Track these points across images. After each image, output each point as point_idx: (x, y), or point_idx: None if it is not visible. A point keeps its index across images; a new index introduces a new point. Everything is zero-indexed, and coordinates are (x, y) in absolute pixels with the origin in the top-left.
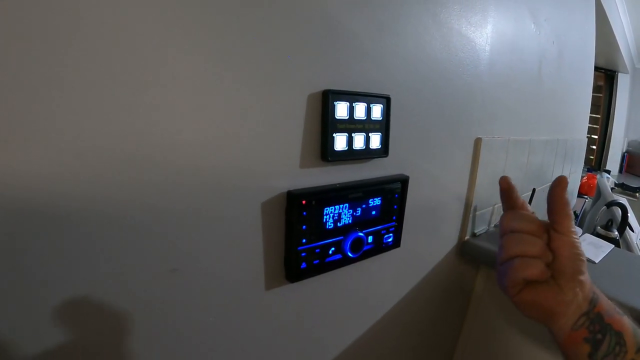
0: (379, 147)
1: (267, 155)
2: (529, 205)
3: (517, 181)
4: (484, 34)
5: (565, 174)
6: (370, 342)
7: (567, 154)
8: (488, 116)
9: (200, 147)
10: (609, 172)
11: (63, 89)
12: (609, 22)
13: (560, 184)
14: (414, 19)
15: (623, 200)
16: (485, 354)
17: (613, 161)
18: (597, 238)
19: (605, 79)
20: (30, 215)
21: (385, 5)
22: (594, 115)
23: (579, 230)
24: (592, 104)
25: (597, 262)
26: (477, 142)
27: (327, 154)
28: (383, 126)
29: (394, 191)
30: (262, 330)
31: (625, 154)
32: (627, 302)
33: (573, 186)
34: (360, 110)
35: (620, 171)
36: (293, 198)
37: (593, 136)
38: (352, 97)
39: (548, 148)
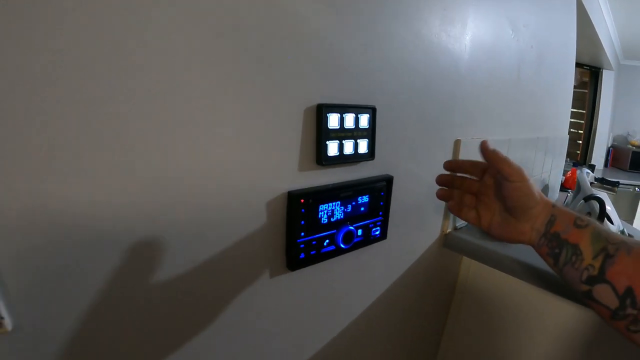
0: (366, 151)
1: (271, 162)
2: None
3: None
4: (462, 45)
5: (547, 169)
6: (362, 326)
7: (548, 150)
8: (467, 119)
9: (223, 160)
10: (593, 166)
11: (134, 135)
12: (592, 23)
13: (484, 146)
14: (398, 36)
15: (602, 194)
16: (471, 338)
17: (598, 156)
18: None
19: (591, 75)
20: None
21: (372, 27)
22: (580, 111)
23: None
24: (578, 100)
25: None
26: (457, 143)
27: (322, 159)
28: (369, 133)
29: (380, 189)
30: (267, 312)
31: (611, 148)
32: None
33: (555, 180)
34: (349, 120)
35: (606, 165)
36: (293, 197)
37: (579, 131)
38: (342, 109)
39: (528, 146)
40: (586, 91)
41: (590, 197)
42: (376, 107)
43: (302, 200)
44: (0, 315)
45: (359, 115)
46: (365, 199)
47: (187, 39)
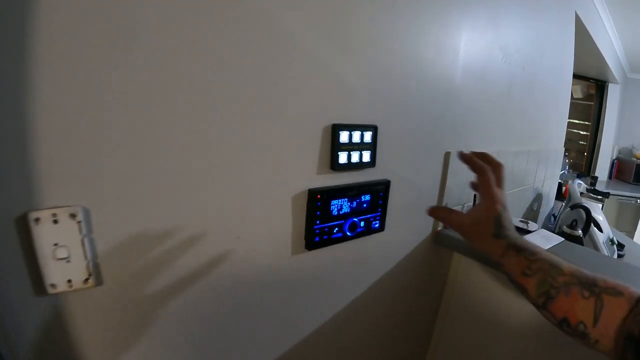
0: (369, 160)
1: (297, 167)
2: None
3: None
4: (454, 70)
5: (540, 178)
6: (361, 304)
7: (540, 161)
8: (457, 135)
9: (266, 166)
10: (596, 178)
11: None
12: (593, 40)
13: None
14: (396, 69)
15: (592, 203)
16: (462, 328)
17: (602, 168)
18: (550, 233)
19: (596, 88)
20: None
21: (374, 64)
22: (586, 123)
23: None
24: (584, 112)
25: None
26: (447, 155)
27: (334, 165)
28: (372, 146)
29: (379, 190)
30: (289, 282)
31: (615, 160)
32: None
33: (549, 189)
34: (356, 136)
35: (610, 177)
36: (312, 194)
37: (583, 143)
38: (350, 127)
39: (518, 158)
40: (592, 104)
41: (575, 206)
42: (377, 125)
43: (319, 196)
44: (89, 273)
45: (363, 132)
46: (367, 197)
47: (255, 91)
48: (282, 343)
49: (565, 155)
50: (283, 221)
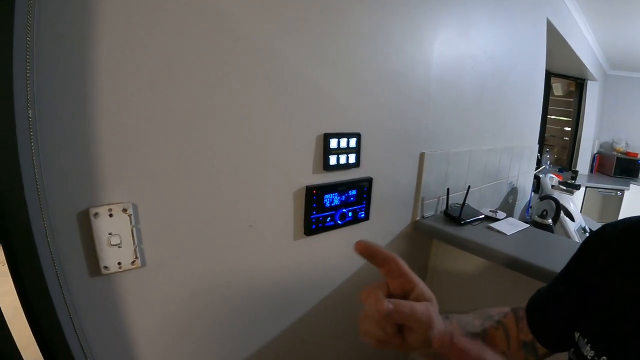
0: (355, 161)
1: (297, 167)
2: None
3: (459, 179)
4: (429, 82)
5: (515, 174)
6: (351, 284)
7: (514, 158)
8: (430, 137)
9: (274, 167)
10: (576, 172)
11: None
12: (567, 43)
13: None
14: (378, 83)
15: (563, 195)
16: (446, 302)
17: (583, 162)
18: (516, 220)
19: (576, 86)
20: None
21: (359, 81)
22: (568, 119)
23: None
24: (565, 109)
25: (508, 234)
26: (422, 155)
27: (326, 166)
28: (357, 150)
29: (364, 186)
30: (291, 259)
31: (596, 155)
32: (522, 258)
33: (524, 183)
34: (343, 143)
35: (592, 171)
36: (309, 189)
37: (565, 138)
38: (339, 135)
39: (491, 155)
40: (572, 100)
41: (545, 197)
42: (361, 133)
43: (314, 191)
44: (135, 256)
45: (349, 139)
46: (354, 192)
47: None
48: (288, 316)
49: (547, 151)
50: (286, 212)
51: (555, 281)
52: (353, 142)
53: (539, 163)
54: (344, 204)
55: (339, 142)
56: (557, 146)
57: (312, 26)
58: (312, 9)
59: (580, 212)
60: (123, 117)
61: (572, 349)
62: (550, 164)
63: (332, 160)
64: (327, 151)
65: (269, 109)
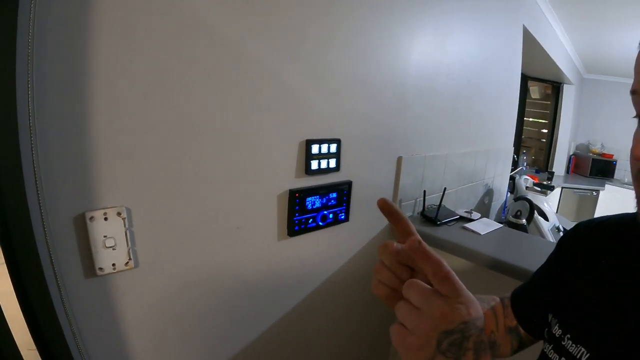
0: (335, 166)
1: (281, 172)
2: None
3: (436, 181)
4: (406, 90)
5: (490, 175)
6: (332, 282)
7: (489, 160)
8: (408, 142)
9: (261, 172)
10: (552, 173)
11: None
12: (544, 49)
13: (413, 245)
14: (357, 92)
15: (537, 196)
16: None
17: (560, 163)
18: (490, 221)
19: (552, 89)
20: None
21: (339, 90)
22: (544, 121)
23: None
24: (542, 111)
25: (482, 234)
26: (399, 159)
27: (308, 171)
28: (337, 155)
29: (344, 189)
30: (275, 259)
31: (572, 156)
32: (495, 256)
33: (500, 184)
34: (324, 148)
35: (567, 172)
36: (292, 193)
37: (542, 140)
38: (320, 141)
39: (466, 158)
40: (549, 103)
41: (519, 198)
42: (341, 139)
43: (297, 195)
44: (129, 257)
45: (330, 145)
46: (334, 194)
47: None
48: (274, 313)
49: (524, 153)
50: (271, 214)
51: (536, 274)
52: (333, 148)
53: (515, 164)
54: (325, 206)
55: (320, 148)
56: (535, 148)
57: (296, 40)
58: (295, 23)
59: (557, 212)
60: (117, 126)
61: (546, 329)
62: (527, 165)
63: (314, 165)
64: (309, 156)
65: (255, 118)
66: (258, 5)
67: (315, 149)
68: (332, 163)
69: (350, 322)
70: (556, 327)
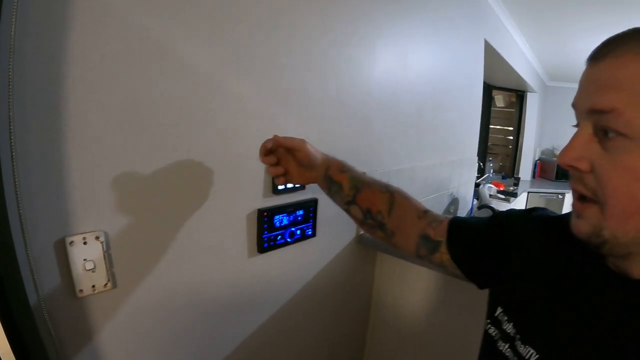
0: (300, 185)
1: (249, 193)
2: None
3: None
4: (369, 107)
5: (455, 185)
6: (301, 295)
7: (454, 170)
8: (371, 158)
9: (228, 198)
10: (518, 179)
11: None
12: (505, 60)
13: (275, 139)
14: (320, 111)
15: (501, 203)
16: (393, 310)
17: (526, 168)
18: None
19: (516, 97)
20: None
21: (303, 109)
22: (509, 128)
23: None
24: (509, 119)
25: None
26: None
27: (275, 190)
28: None
29: (310, 206)
30: (247, 277)
31: (538, 161)
32: None
33: (465, 192)
34: None
35: (534, 177)
36: (260, 212)
37: (509, 147)
38: None
39: (431, 169)
40: (513, 110)
41: (482, 206)
42: None
43: (265, 213)
44: (108, 279)
45: None
46: (301, 212)
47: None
48: (247, 327)
49: (490, 160)
50: (241, 233)
51: (476, 226)
52: None
53: (482, 172)
54: (292, 224)
55: None
56: (502, 154)
57: (257, 62)
58: (256, 43)
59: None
60: (93, 155)
61: (493, 323)
62: (493, 172)
63: (281, 185)
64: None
65: (224, 143)
66: (226, 40)
67: None
68: None
69: (322, 331)
70: (509, 325)
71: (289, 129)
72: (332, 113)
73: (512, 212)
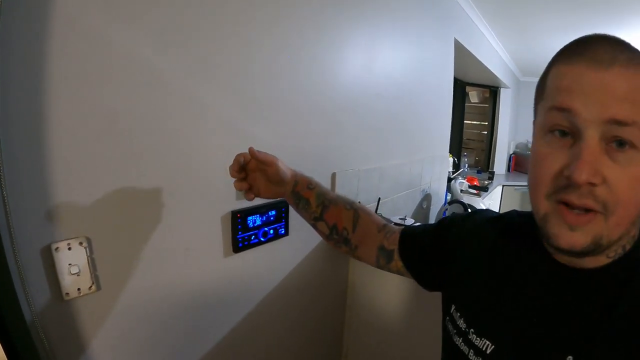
0: None
1: (223, 196)
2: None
3: (371, 192)
4: (335, 111)
5: (427, 181)
6: (277, 293)
7: (425, 167)
8: (341, 158)
9: (203, 201)
10: (493, 173)
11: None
12: (476, 58)
13: (251, 152)
14: (289, 115)
15: (472, 197)
16: (369, 306)
17: (500, 162)
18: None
19: (490, 93)
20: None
21: (271, 117)
22: (484, 124)
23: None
24: (480, 114)
25: None
26: (333, 175)
27: None
28: None
29: (282, 206)
30: (223, 275)
31: (512, 155)
32: None
33: (438, 188)
34: None
35: (508, 170)
36: (234, 213)
37: (483, 141)
38: None
39: (401, 168)
40: (487, 105)
41: (453, 201)
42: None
43: (239, 215)
44: (92, 282)
45: None
46: (274, 212)
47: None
48: (225, 323)
49: (464, 155)
50: (216, 234)
51: (423, 233)
52: None
53: (457, 167)
54: (265, 224)
55: None
56: (477, 149)
57: (224, 68)
58: (227, 53)
59: (499, 209)
60: (75, 165)
61: (450, 320)
62: (468, 166)
63: None
64: None
65: (199, 149)
66: (196, 49)
67: None
68: None
69: (299, 328)
70: (461, 321)
71: (261, 135)
72: (300, 116)
73: (455, 215)
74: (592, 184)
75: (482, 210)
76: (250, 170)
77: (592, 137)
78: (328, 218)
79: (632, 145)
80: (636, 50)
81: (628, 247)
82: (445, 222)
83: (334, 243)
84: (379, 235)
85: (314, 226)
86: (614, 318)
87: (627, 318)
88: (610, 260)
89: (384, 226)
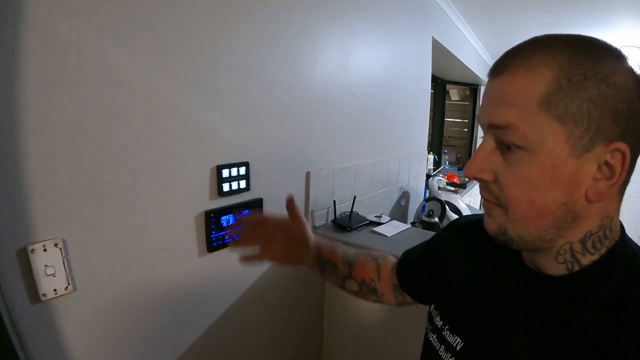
0: (245, 186)
1: (196, 196)
2: (304, 219)
3: (347, 190)
4: (309, 112)
5: (404, 179)
6: (253, 291)
7: (402, 165)
8: (315, 158)
9: (176, 202)
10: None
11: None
12: (455, 56)
13: (291, 204)
14: (263, 116)
15: (450, 195)
16: (348, 303)
17: None
18: (399, 223)
19: (470, 91)
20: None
21: (245, 119)
22: (465, 121)
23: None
24: (461, 112)
25: (389, 235)
26: (308, 174)
27: (221, 193)
28: (247, 176)
29: (256, 206)
30: (198, 274)
31: None
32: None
33: (417, 186)
34: (234, 171)
35: None
36: (207, 213)
37: (464, 138)
38: (230, 165)
39: (377, 166)
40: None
41: (430, 199)
42: (249, 161)
43: (212, 215)
44: (68, 282)
45: (239, 168)
46: (247, 212)
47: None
48: (201, 322)
49: (445, 152)
50: (190, 234)
51: (417, 250)
52: (242, 170)
53: (438, 164)
54: (239, 223)
55: (230, 171)
56: (459, 146)
57: (194, 69)
58: (193, 51)
59: (480, 206)
60: (49, 169)
61: (430, 317)
62: (449, 164)
63: (226, 187)
64: (220, 180)
65: (169, 152)
66: (161, 49)
67: (225, 173)
68: (243, 184)
69: (277, 326)
70: (437, 318)
71: (234, 135)
72: (271, 115)
73: (441, 229)
74: (482, 180)
75: (463, 216)
76: (269, 227)
77: (487, 140)
78: (355, 275)
79: (518, 146)
80: (546, 50)
81: (585, 257)
82: (434, 237)
83: (364, 296)
84: (392, 277)
85: (342, 286)
86: (575, 327)
87: (587, 329)
88: (563, 266)
89: (394, 267)
